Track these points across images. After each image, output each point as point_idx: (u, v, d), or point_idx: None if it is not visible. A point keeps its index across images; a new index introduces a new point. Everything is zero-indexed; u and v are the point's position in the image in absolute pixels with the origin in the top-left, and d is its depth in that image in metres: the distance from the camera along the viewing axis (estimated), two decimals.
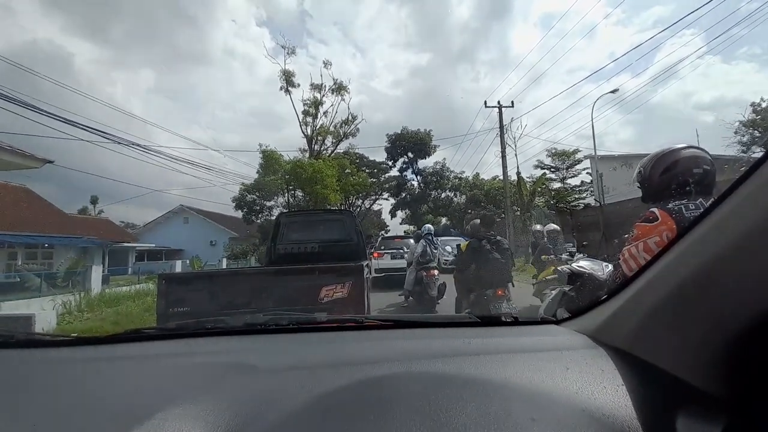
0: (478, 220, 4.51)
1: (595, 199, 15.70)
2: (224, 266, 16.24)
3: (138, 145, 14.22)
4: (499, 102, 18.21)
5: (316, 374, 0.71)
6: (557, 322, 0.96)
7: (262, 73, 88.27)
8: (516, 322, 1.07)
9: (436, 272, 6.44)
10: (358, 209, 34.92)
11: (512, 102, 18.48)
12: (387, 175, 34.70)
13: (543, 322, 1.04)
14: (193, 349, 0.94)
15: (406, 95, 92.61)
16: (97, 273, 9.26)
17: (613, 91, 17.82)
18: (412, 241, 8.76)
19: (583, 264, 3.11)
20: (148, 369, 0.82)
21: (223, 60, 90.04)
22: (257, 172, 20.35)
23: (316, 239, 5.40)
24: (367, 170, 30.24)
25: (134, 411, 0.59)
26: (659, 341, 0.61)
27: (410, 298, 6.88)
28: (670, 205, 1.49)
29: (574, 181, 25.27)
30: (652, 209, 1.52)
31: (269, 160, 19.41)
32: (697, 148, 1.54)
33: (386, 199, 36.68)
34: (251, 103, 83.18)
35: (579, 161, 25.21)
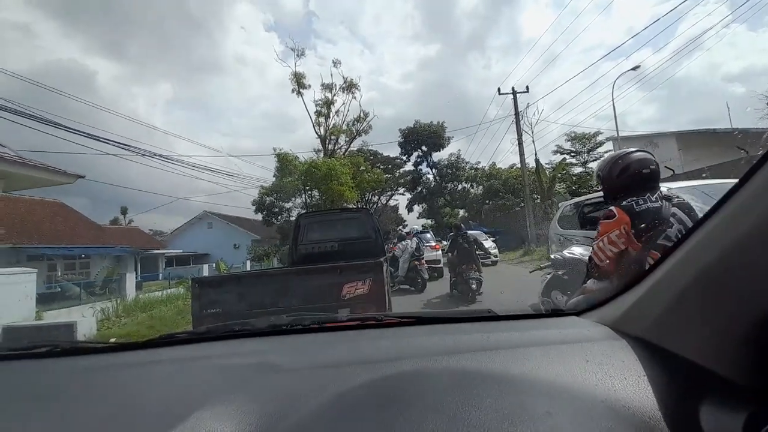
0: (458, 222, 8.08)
1: None
2: (248, 268, 16.72)
3: (161, 155, 14.85)
4: (513, 88, 17.79)
5: (338, 372, 0.73)
6: (577, 314, 0.95)
7: (273, 77, 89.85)
8: (535, 315, 1.06)
9: (425, 262, 8.96)
10: (375, 205, 34.96)
11: (527, 87, 18.03)
12: (402, 170, 34.64)
13: (562, 314, 1.03)
14: (221, 351, 0.99)
15: (417, 88, 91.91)
16: (131, 280, 9.74)
17: (634, 68, 17.04)
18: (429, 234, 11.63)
19: (575, 250, 3.32)
20: (182, 372, 0.86)
21: (235, 67, 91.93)
22: (274, 176, 20.73)
23: (336, 238, 5.52)
24: (381, 166, 30.23)
25: (172, 413, 0.62)
26: (682, 330, 0.59)
27: (397, 286, 8.72)
28: (623, 203, 1.72)
29: (596, 165, 24.37)
30: (610, 208, 1.74)
31: (284, 162, 19.71)
32: (644, 150, 1.82)
33: (402, 194, 36.63)
34: (264, 107, 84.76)
35: (600, 144, 24.24)
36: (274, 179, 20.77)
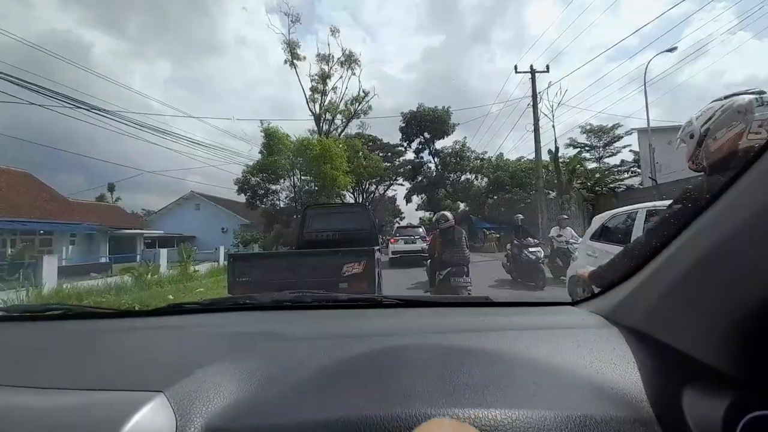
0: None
1: (650, 177, 13.25)
2: (222, 255, 15.14)
3: (150, 126, 12.86)
4: (531, 66, 15.77)
5: (335, 343, 0.76)
6: (573, 303, 0.97)
7: (273, 62, 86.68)
8: (532, 303, 1.08)
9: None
10: (372, 195, 33.13)
11: (547, 66, 16.00)
12: (402, 158, 32.56)
13: (559, 303, 1.04)
14: (227, 321, 1.03)
15: (419, 79, 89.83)
16: (50, 264, 7.68)
17: (670, 50, 15.01)
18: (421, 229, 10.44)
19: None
20: (189, 336, 0.90)
21: (235, 49, 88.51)
22: (260, 152, 18.60)
23: (337, 228, 6.21)
24: (380, 153, 28.19)
25: (178, 367, 0.65)
26: (673, 320, 0.61)
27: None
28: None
29: (612, 161, 22.51)
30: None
31: (272, 138, 17.64)
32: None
33: (401, 185, 34.67)
34: (264, 92, 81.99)
35: (618, 138, 22.39)
36: (260, 156, 18.61)
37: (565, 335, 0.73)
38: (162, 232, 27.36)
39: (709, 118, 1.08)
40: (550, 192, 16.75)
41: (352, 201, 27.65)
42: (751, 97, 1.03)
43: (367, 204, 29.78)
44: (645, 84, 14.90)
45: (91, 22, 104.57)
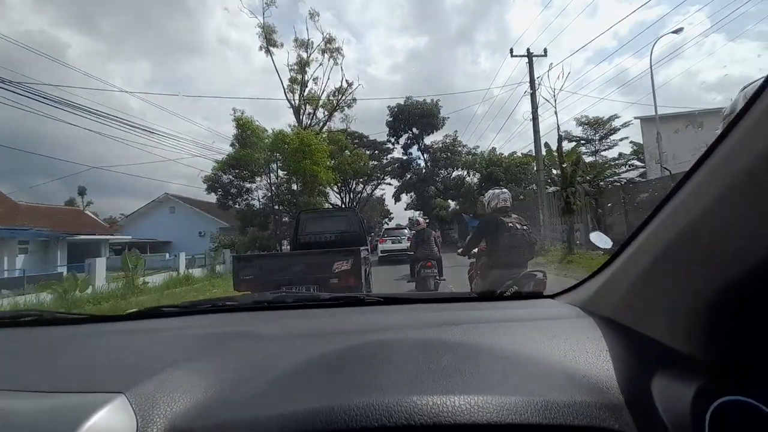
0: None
1: (663, 167, 12.05)
2: (183, 263, 13.40)
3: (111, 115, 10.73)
4: (528, 50, 14.48)
5: (312, 340, 0.77)
6: (552, 296, 0.99)
7: (257, 63, 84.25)
8: (511, 296, 1.15)
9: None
10: (359, 195, 31.57)
11: (545, 50, 14.74)
12: (390, 156, 31.07)
13: (538, 296, 1.06)
14: (204, 323, 1.02)
15: (404, 80, 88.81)
16: None
17: (675, 31, 13.93)
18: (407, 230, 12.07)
19: None
20: (161, 338, 0.89)
21: (217, 50, 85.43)
22: (231, 145, 16.76)
23: (328, 231, 6.78)
24: (367, 151, 26.59)
25: (144, 368, 0.65)
26: (644, 308, 0.62)
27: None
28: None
29: (608, 154, 21.45)
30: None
31: (245, 129, 15.86)
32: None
33: (389, 184, 33.16)
34: (247, 93, 79.47)
35: (615, 130, 21.34)
36: (231, 150, 16.70)
37: (541, 326, 0.76)
38: (130, 237, 25.14)
39: (488, 197, 3.26)
40: (548, 186, 15.46)
41: (336, 200, 26.09)
42: (498, 190, 3.23)
43: (355, 205, 28.08)
44: (651, 66, 13.76)
45: (65, 21, 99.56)
